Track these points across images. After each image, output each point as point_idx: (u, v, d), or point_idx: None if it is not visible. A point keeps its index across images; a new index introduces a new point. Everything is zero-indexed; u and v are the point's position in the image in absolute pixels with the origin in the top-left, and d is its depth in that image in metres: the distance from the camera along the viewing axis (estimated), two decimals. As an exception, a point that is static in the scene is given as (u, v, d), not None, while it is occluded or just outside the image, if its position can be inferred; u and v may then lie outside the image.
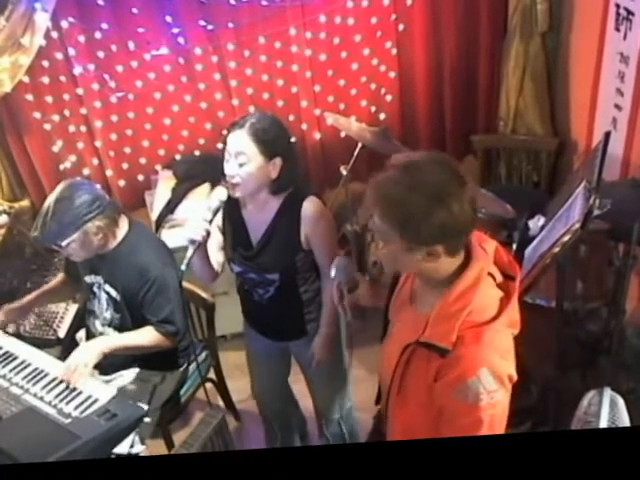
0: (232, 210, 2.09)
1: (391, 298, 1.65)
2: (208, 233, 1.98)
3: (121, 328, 2.34)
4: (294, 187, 2.05)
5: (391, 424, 1.58)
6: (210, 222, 1.98)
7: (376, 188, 1.34)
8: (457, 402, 1.35)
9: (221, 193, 2.01)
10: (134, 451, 2.00)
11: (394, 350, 1.50)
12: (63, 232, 2.10)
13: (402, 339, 1.47)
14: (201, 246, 2.00)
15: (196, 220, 1.98)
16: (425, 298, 1.48)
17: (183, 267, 1.96)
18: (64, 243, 2.13)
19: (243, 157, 1.91)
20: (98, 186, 2.43)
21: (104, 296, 2.32)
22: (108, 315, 2.35)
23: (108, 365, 2.28)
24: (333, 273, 1.72)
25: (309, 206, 2.02)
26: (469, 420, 1.37)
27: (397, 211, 1.30)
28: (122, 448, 2.05)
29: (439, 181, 1.29)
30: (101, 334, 2.38)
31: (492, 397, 1.34)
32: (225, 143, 1.96)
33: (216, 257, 2.17)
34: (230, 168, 1.94)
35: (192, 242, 1.96)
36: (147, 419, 2.28)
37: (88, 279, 2.35)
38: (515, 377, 1.38)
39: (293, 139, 2.12)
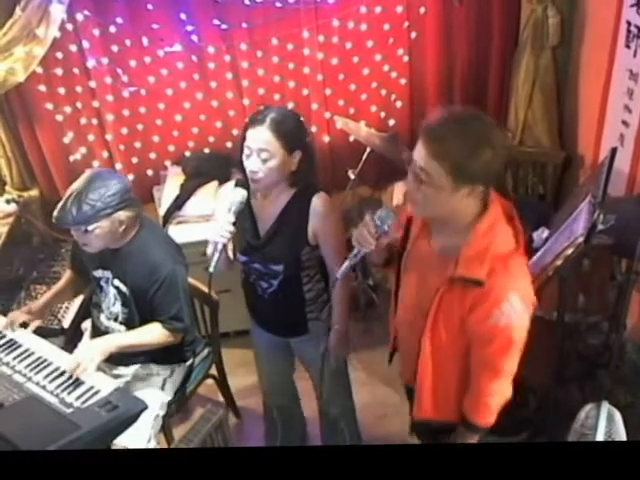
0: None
1: (403, 254, 1.80)
2: (232, 235, 2.01)
3: (127, 322, 2.34)
4: (309, 180, 2.08)
5: (422, 363, 1.72)
6: (234, 224, 2.00)
7: (430, 132, 1.50)
8: (491, 327, 1.56)
9: (241, 194, 2.03)
10: (150, 446, 2.01)
11: (420, 294, 1.70)
12: (95, 216, 2.09)
13: (429, 282, 1.66)
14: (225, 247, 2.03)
15: (220, 223, 1.99)
16: (447, 241, 1.65)
17: (211, 269, 1.99)
18: (91, 227, 2.11)
19: (266, 153, 1.93)
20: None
21: (112, 291, 2.32)
22: (115, 309, 2.35)
23: (116, 356, 2.28)
24: (381, 224, 1.70)
25: (318, 201, 2.05)
26: (501, 342, 1.59)
27: (449, 151, 1.46)
28: (140, 442, 2.06)
29: (484, 126, 1.50)
30: (106, 328, 2.39)
31: (521, 318, 1.56)
32: (244, 139, 1.98)
33: (229, 246, 2.20)
34: (253, 164, 1.96)
35: (217, 244, 1.98)
36: (161, 412, 2.30)
37: (96, 273, 2.35)
38: (535, 301, 1.59)
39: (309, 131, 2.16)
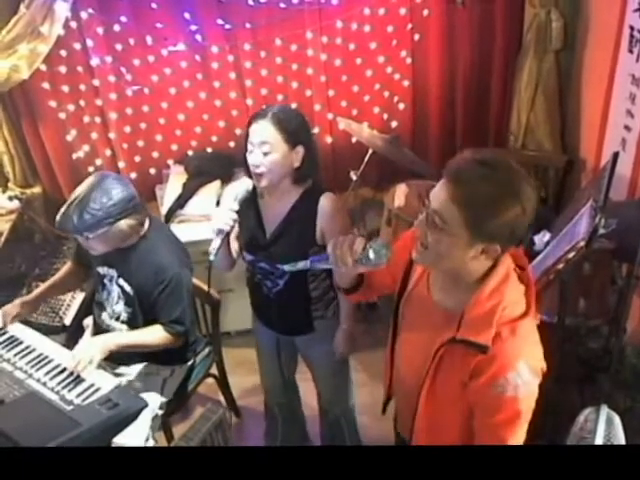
0: (248, 199, 2.11)
1: (402, 295, 1.65)
2: (235, 222, 2.02)
3: (129, 322, 2.34)
4: (314, 180, 2.08)
5: (418, 422, 1.58)
6: (238, 212, 2.01)
7: (454, 173, 1.34)
8: (495, 397, 1.39)
9: (247, 183, 2.04)
10: (149, 445, 2.01)
11: (419, 348, 1.54)
12: (96, 225, 2.08)
13: (429, 336, 1.50)
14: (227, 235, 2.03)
15: (223, 210, 2.01)
16: (450, 296, 1.50)
17: (212, 257, 1.99)
18: (92, 235, 2.11)
19: (267, 146, 1.94)
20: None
21: (116, 289, 2.32)
22: (118, 308, 2.35)
23: (117, 356, 2.28)
24: (372, 257, 1.47)
25: (326, 201, 2.06)
26: (507, 414, 1.41)
27: (472, 198, 1.31)
28: (138, 441, 2.07)
29: (516, 178, 1.33)
30: (108, 326, 2.39)
31: (530, 389, 1.39)
32: (247, 136, 1.99)
33: (233, 245, 2.21)
34: (254, 158, 1.97)
35: (220, 232, 1.99)
36: (159, 412, 2.30)
37: (101, 270, 2.34)
38: (545, 368, 1.43)
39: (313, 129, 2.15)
